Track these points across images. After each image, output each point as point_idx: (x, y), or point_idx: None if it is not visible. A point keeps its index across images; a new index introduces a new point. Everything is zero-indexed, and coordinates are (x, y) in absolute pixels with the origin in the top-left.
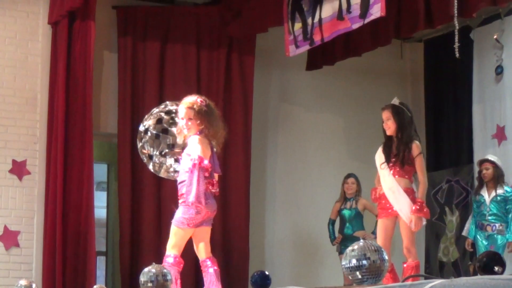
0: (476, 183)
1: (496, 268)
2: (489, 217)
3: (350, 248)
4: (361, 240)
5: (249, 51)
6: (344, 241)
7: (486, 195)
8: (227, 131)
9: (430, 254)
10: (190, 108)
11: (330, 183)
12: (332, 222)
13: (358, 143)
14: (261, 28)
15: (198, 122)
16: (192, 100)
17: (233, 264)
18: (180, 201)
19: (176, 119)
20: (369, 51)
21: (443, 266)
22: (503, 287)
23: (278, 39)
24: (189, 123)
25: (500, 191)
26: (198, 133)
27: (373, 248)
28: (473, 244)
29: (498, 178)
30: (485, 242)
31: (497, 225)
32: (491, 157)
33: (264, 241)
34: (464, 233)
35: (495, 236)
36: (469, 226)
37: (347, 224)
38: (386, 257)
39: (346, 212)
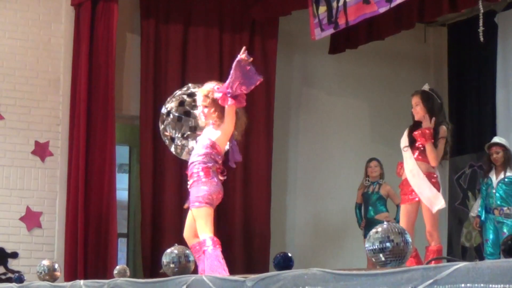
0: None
1: None
2: (497, 200)
3: (373, 230)
4: (385, 223)
5: (272, 34)
6: (367, 225)
7: (494, 178)
8: (248, 117)
9: (452, 239)
10: (206, 96)
11: (352, 168)
12: (358, 206)
13: (381, 127)
14: (284, 11)
15: (212, 110)
16: (209, 87)
17: (254, 248)
18: (190, 181)
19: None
20: (392, 35)
21: (466, 251)
22: None
23: (301, 23)
24: (205, 110)
25: (508, 174)
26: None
27: (396, 230)
28: (481, 225)
29: (508, 162)
30: (492, 227)
31: (504, 208)
32: (500, 140)
33: (285, 226)
34: (472, 213)
35: (503, 221)
36: (477, 207)
37: (370, 208)
38: (410, 240)
39: (370, 195)
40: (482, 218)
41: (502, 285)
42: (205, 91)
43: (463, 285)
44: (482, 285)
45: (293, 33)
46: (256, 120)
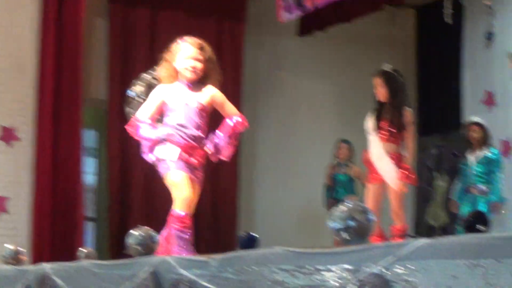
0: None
1: (480, 227)
2: (474, 178)
3: (337, 209)
4: (349, 202)
5: (240, 17)
6: (336, 206)
7: (472, 157)
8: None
9: (419, 218)
10: (202, 49)
11: (321, 149)
12: (326, 187)
13: (350, 109)
14: None
15: (203, 68)
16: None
17: (222, 229)
18: None
19: None
20: (361, 18)
21: (432, 230)
22: (486, 244)
23: (270, 5)
24: (198, 65)
25: (485, 152)
26: None
27: (360, 209)
28: (457, 206)
29: (485, 141)
30: (469, 206)
31: (481, 186)
32: (477, 119)
33: (253, 206)
34: (451, 195)
35: (479, 198)
36: (456, 189)
37: (339, 189)
38: (373, 218)
39: (339, 177)
40: (458, 199)
41: (463, 260)
42: (201, 43)
43: (424, 261)
44: (443, 260)
45: (262, 15)
46: None
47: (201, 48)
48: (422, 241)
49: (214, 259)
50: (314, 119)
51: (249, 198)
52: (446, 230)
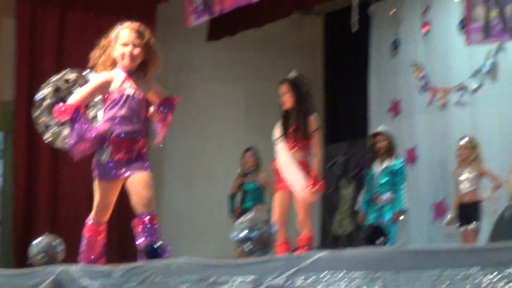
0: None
1: (377, 241)
2: (379, 188)
3: (239, 220)
4: (251, 212)
5: (149, 20)
6: (243, 213)
7: (377, 167)
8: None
9: (325, 226)
10: (141, 33)
11: (229, 156)
12: (232, 196)
13: (258, 115)
14: None
15: (141, 54)
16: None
17: (130, 238)
18: None
19: (73, 89)
20: (270, 23)
21: (338, 238)
22: (384, 257)
23: (179, 9)
24: (135, 51)
25: (391, 162)
26: None
27: (262, 219)
28: (365, 217)
29: (391, 150)
30: (374, 216)
31: (387, 194)
32: (383, 129)
33: (161, 215)
34: (357, 207)
35: (384, 208)
36: (361, 199)
37: (247, 198)
38: (275, 229)
39: (246, 186)
40: (364, 208)
41: (362, 272)
42: (140, 27)
43: (325, 272)
44: (343, 272)
45: (171, 19)
46: None
47: (139, 33)
48: (323, 253)
49: (117, 269)
50: (223, 125)
51: (157, 206)
52: (352, 239)
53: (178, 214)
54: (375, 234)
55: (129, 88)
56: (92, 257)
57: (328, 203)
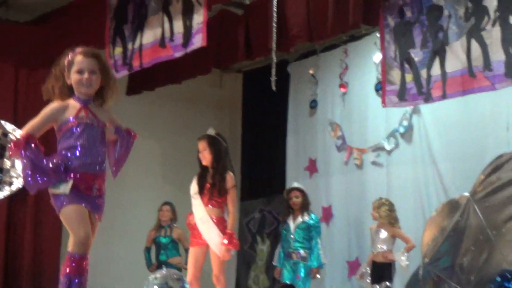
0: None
1: None
2: (294, 244)
3: (152, 276)
4: (164, 269)
5: None
6: (159, 267)
7: (292, 223)
8: None
9: (240, 282)
10: (98, 58)
11: (146, 209)
12: (147, 250)
13: (175, 170)
14: None
15: (99, 79)
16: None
17: (43, 281)
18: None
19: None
20: (189, 79)
21: None
22: None
23: None
24: (93, 76)
25: (305, 218)
26: None
27: (175, 276)
28: (281, 273)
29: (306, 206)
30: (290, 271)
31: (301, 252)
32: (298, 185)
33: None
34: (273, 262)
35: (299, 263)
36: (277, 254)
37: (162, 251)
38: (187, 286)
39: (161, 240)
40: (280, 265)
41: None
42: (95, 52)
43: None
44: None
45: None
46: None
47: (94, 57)
48: None
49: None
50: (140, 178)
51: None
52: None
53: (94, 265)
54: None
55: (88, 117)
56: None
57: (244, 259)
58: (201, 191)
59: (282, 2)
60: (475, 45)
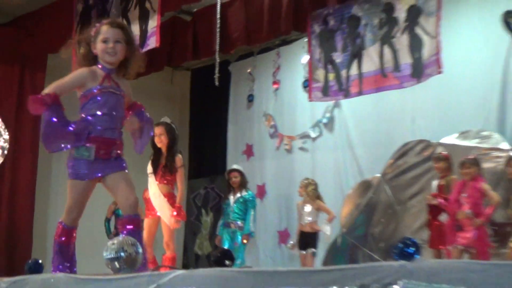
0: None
1: (226, 262)
2: (233, 216)
3: (110, 242)
4: (120, 236)
5: (40, 68)
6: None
7: (231, 198)
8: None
9: (187, 248)
10: (126, 31)
11: None
12: (107, 220)
13: (133, 152)
14: (52, 49)
15: (124, 49)
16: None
17: (17, 254)
18: None
19: None
20: (144, 76)
21: (198, 258)
22: (229, 278)
23: (66, 60)
24: (118, 45)
25: (243, 194)
26: None
27: (129, 242)
28: (221, 240)
29: (243, 185)
30: (229, 239)
31: (238, 222)
32: (237, 167)
33: (46, 234)
34: (217, 231)
35: (237, 232)
36: (219, 225)
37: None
38: (141, 251)
39: (119, 211)
40: (220, 233)
41: None
42: (121, 23)
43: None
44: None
45: (59, 67)
46: (23, 144)
47: (121, 28)
48: (179, 272)
49: (4, 281)
50: None
51: (43, 226)
52: (209, 258)
53: None
54: (223, 257)
55: (111, 86)
56: (67, 264)
57: (191, 228)
58: (155, 171)
59: (224, 10)
60: (387, 50)
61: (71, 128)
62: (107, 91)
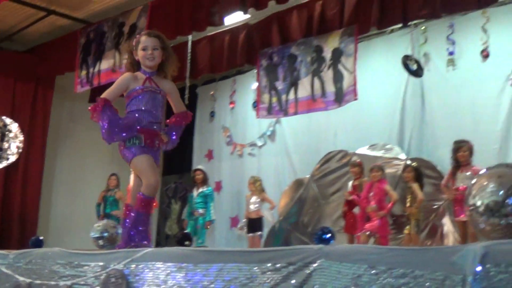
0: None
1: (186, 243)
2: (196, 205)
3: (96, 224)
4: (104, 220)
5: (50, 86)
6: (105, 217)
7: (195, 191)
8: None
9: (160, 229)
10: (161, 39)
11: (100, 177)
12: (98, 205)
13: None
14: (60, 72)
15: (161, 55)
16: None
17: (27, 230)
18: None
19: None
20: None
21: (168, 237)
22: (188, 255)
23: (71, 80)
24: (155, 52)
25: (204, 189)
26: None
27: (111, 225)
28: (187, 224)
29: (205, 181)
30: (192, 223)
31: (200, 210)
32: (200, 167)
33: (50, 215)
34: (183, 216)
35: (199, 218)
36: (185, 212)
37: (108, 206)
38: (119, 232)
39: (108, 198)
40: (187, 218)
41: (174, 263)
42: (157, 33)
43: (150, 262)
44: (161, 263)
45: (65, 87)
46: (35, 143)
47: (158, 37)
48: (149, 250)
49: (12, 253)
50: (96, 157)
51: (47, 208)
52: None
53: (64, 215)
54: (184, 239)
55: (152, 86)
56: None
57: (163, 214)
58: None
59: (194, 46)
60: (316, 81)
61: (123, 122)
62: (148, 90)
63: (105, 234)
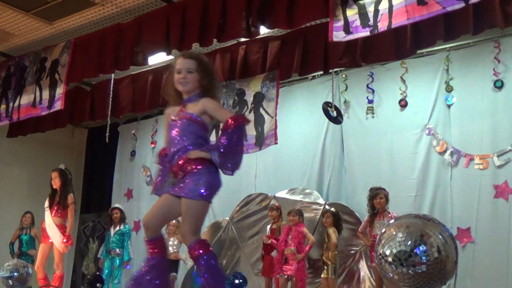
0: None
1: (97, 285)
2: (112, 245)
3: (6, 263)
4: (15, 260)
5: None
6: (20, 256)
7: (112, 230)
8: None
9: (76, 268)
10: (195, 59)
11: (15, 217)
12: (12, 244)
13: (36, 190)
14: None
15: (198, 77)
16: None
17: None
18: None
19: None
20: (51, 130)
21: (85, 276)
22: None
23: None
24: (189, 75)
25: (121, 227)
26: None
27: (22, 264)
28: (103, 263)
29: (123, 219)
30: (109, 262)
31: (117, 250)
32: (118, 205)
33: None
34: (98, 255)
35: (115, 258)
36: (101, 250)
37: (24, 245)
38: (31, 271)
39: (23, 237)
40: (103, 257)
41: None
42: (190, 52)
43: None
44: None
45: None
46: None
47: (193, 58)
48: None
49: None
50: (13, 194)
51: None
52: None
53: None
54: (95, 281)
55: (176, 113)
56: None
57: (80, 253)
58: (50, 206)
59: (116, 85)
60: None
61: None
62: (171, 119)
63: (15, 274)
